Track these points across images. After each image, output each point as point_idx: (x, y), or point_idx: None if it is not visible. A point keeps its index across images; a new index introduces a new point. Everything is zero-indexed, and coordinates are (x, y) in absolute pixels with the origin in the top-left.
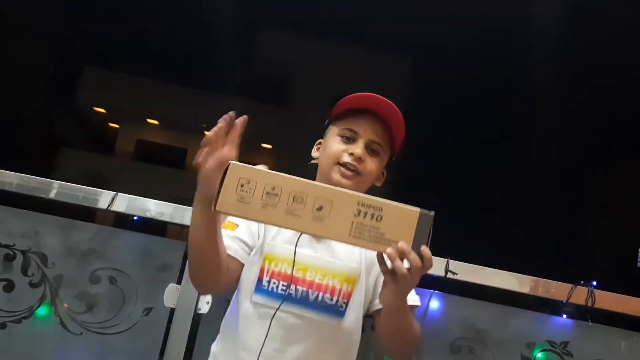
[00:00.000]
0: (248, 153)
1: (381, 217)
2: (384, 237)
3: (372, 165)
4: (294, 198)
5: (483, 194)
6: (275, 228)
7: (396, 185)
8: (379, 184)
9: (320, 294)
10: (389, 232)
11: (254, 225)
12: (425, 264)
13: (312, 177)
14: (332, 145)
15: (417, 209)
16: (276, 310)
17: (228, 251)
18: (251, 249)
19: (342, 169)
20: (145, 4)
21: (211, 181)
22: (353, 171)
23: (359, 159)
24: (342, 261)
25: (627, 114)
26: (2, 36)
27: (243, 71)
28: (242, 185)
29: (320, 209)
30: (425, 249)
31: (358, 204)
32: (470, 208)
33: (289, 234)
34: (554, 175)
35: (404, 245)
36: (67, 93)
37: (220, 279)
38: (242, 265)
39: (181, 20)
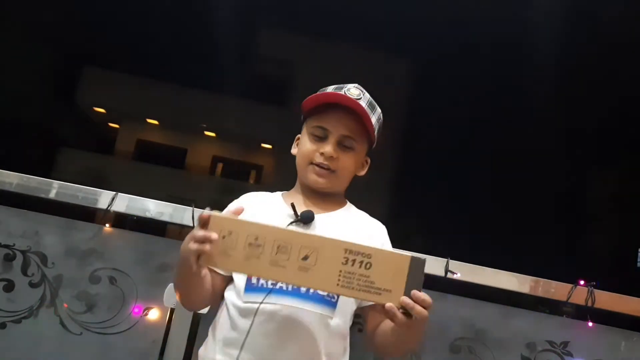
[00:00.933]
0: (248, 153)
1: (370, 265)
2: (373, 286)
3: (346, 160)
4: (278, 248)
5: (483, 194)
6: None
7: (396, 185)
8: (362, 173)
9: None
10: (379, 280)
11: None
12: (427, 310)
13: None
14: (304, 145)
15: (408, 256)
16: (261, 302)
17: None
18: None
19: (317, 168)
20: (146, 4)
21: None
22: (327, 169)
23: (330, 158)
24: None
25: (627, 113)
26: (2, 36)
27: (243, 71)
28: (224, 237)
29: (305, 258)
30: (421, 294)
31: (345, 252)
32: (470, 208)
33: None
34: (554, 175)
35: (407, 300)
36: (67, 93)
37: (207, 300)
38: (225, 277)
39: (181, 21)
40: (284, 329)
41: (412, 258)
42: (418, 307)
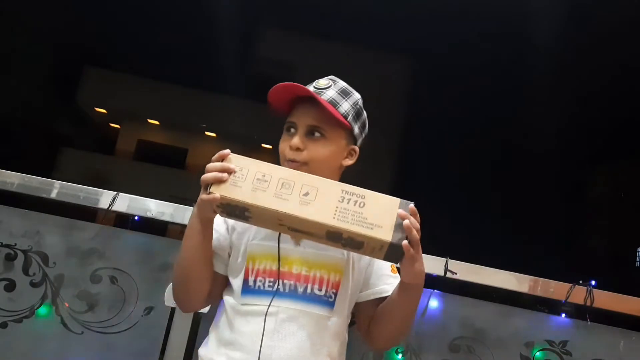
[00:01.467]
0: (248, 153)
1: (364, 204)
2: (366, 221)
3: (316, 149)
4: (282, 184)
5: (482, 193)
6: (254, 228)
7: (397, 185)
8: (350, 163)
9: (309, 286)
10: (372, 217)
11: (223, 237)
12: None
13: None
14: (280, 144)
15: (397, 199)
16: (268, 307)
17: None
18: (224, 258)
19: (290, 163)
20: (147, 4)
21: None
22: (297, 162)
23: (297, 150)
24: (327, 252)
25: (625, 113)
26: (3, 36)
27: (243, 71)
28: (235, 172)
29: (306, 194)
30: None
31: (342, 192)
32: (470, 208)
33: (268, 231)
34: (553, 175)
35: (411, 220)
36: (68, 93)
37: (204, 294)
38: (224, 278)
39: (182, 21)
40: (282, 330)
41: (401, 200)
42: (412, 233)
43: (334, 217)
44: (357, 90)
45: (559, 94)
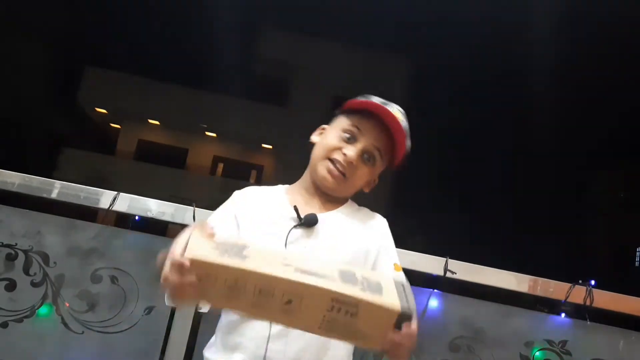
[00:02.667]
0: (248, 153)
1: (356, 313)
2: (357, 332)
3: (362, 172)
4: (259, 291)
5: (482, 193)
6: (262, 228)
7: (396, 185)
8: (367, 190)
9: None
10: (364, 327)
11: (232, 230)
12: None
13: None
14: (331, 137)
15: (397, 309)
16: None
17: None
18: None
19: (331, 165)
20: (148, 5)
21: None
22: (341, 172)
23: (350, 163)
24: (333, 254)
25: (626, 114)
26: (4, 37)
27: (243, 72)
28: (200, 280)
29: (289, 302)
30: (402, 338)
31: (332, 301)
32: (470, 208)
33: (277, 232)
34: (553, 175)
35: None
36: (68, 93)
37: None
38: None
39: (182, 21)
40: (290, 334)
41: (400, 314)
42: (400, 354)
43: (319, 327)
44: (357, 90)
45: (560, 95)
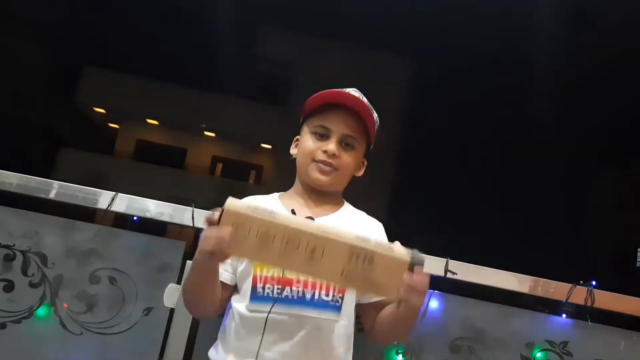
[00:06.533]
0: (248, 153)
1: (372, 263)
2: (373, 281)
3: (347, 158)
4: (287, 241)
5: (483, 194)
6: None
7: (396, 185)
8: (360, 174)
9: (317, 292)
10: (379, 277)
11: None
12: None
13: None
14: (306, 144)
15: (407, 259)
16: (269, 312)
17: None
18: (235, 268)
19: (320, 165)
20: (145, 3)
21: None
22: (329, 166)
23: (333, 155)
24: None
25: (627, 115)
26: (2, 36)
27: (243, 71)
28: (236, 227)
29: (313, 251)
30: (416, 283)
31: (350, 251)
32: (470, 208)
33: None
34: (554, 175)
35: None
36: (67, 93)
37: (215, 308)
38: (231, 287)
39: (181, 21)
40: (292, 337)
41: (412, 260)
42: (413, 299)
43: (340, 277)
44: (357, 90)
45: (560, 95)
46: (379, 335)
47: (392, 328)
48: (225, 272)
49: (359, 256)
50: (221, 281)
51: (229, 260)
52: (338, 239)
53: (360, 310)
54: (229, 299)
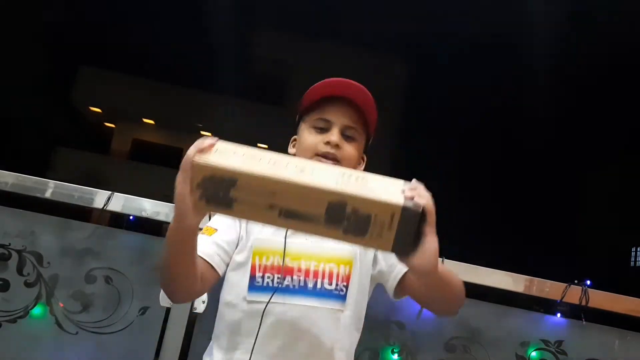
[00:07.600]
0: None
1: (365, 179)
2: (372, 190)
3: (350, 150)
4: (274, 162)
5: (478, 193)
6: (260, 224)
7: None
8: (361, 169)
9: (319, 281)
10: (376, 187)
11: (233, 229)
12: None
13: None
14: (306, 139)
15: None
16: (267, 303)
17: (201, 254)
18: (229, 255)
19: (323, 159)
20: (142, 3)
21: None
22: (333, 159)
23: (336, 146)
24: (335, 243)
25: (623, 115)
26: None
27: (240, 71)
28: (216, 151)
29: (302, 170)
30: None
31: (340, 170)
32: (466, 207)
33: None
34: (549, 175)
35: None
36: (62, 92)
37: (193, 289)
38: (217, 273)
39: (178, 20)
40: (294, 328)
41: (405, 182)
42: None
43: (336, 183)
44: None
45: (557, 94)
46: (425, 304)
47: (429, 290)
48: (216, 256)
49: (351, 173)
50: (208, 262)
51: (221, 241)
52: (325, 164)
53: (401, 289)
54: (211, 281)
